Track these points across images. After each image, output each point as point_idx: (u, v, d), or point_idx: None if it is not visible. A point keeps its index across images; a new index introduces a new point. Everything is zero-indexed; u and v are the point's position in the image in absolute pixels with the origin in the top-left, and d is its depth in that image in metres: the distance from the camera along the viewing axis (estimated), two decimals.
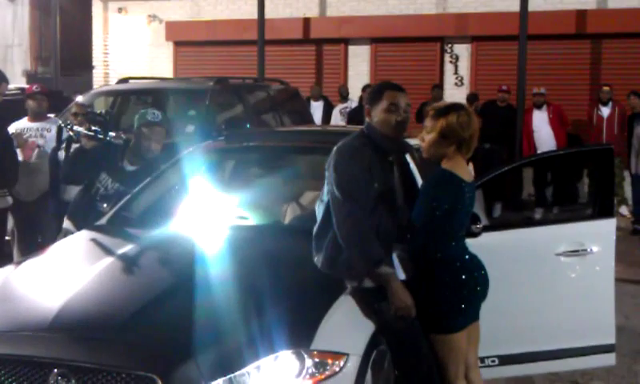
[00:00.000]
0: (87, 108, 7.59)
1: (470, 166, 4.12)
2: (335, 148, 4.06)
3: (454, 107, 4.07)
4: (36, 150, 7.45)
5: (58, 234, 6.12)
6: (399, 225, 4.08)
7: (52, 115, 8.02)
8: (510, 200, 5.09)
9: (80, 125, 7.08)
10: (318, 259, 4.05)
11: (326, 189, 4.07)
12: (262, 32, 14.05)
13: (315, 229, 4.12)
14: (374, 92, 4.19)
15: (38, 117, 7.73)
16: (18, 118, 7.75)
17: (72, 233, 5.51)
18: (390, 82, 4.29)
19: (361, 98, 12.61)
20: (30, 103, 7.79)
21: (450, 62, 14.54)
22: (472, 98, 13.17)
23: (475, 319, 4.14)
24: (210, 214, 5.25)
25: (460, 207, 4.00)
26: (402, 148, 4.38)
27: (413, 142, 5.44)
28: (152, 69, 15.49)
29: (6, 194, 6.89)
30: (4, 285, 4.26)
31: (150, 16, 16.46)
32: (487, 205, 4.78)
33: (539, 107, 12.22)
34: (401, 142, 4.30)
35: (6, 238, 7.36)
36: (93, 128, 6.23)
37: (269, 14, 14.26)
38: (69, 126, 6.62)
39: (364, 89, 12.84)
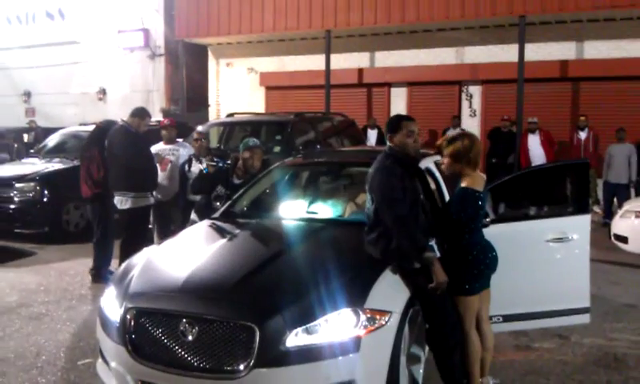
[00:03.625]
0: (204, 135, 7.73)
1: (483, 175, 4.10)
2: (373, 170, 3.98)
3: (459, 136, 4.09)
4: (169, 165, 7.61)
5: (186, 223, 6.26)
6: (428, 218, 4.03)
7: (180, 140, 8.19)
8: (512, 201, 5.00)
9: (200, 149, 7.26)
10: (370, 250, 3.97)
11: (369, 198, 4.01)
12: (328, 79, 14.10)
13: (366, 230, 4.04)
14: (394, 123, 4.05)
15: (169, 141, 7.88)
16: (157, 142, 7.94)
17: (197, 222, 5.62)
18: (403, 115, 4.23)
19: None
20: (164, 132, 7.95)
21: (466, 99, 14.32)
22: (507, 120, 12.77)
23: (487, 286, 4.14)
24: (291, 209, 5.29)
25: (480, 211, 4.01)
26: (417, 161, 4.27)
27: (440, 158, 5.40)
28: (250, 106, 15.67)
29: (149, 196, 7.07)
30: (149, 260, 4.34)
31: (249, 68, 16.63)
32: (494, 204, 4.71)
33: (533, 132, 11.97)
34: (416, 157, 4.17)
35: (150, 226, 7.54)
36: (215, 159, 6.41)
37: (333, 66, 14.29)
38: (200, 160, 6.80)
39: None
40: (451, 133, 13.00)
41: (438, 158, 5.39)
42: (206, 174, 6.22)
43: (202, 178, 6.19)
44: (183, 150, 7.69)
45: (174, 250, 4.60)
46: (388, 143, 4.08)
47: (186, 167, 7.28)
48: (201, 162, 6.73)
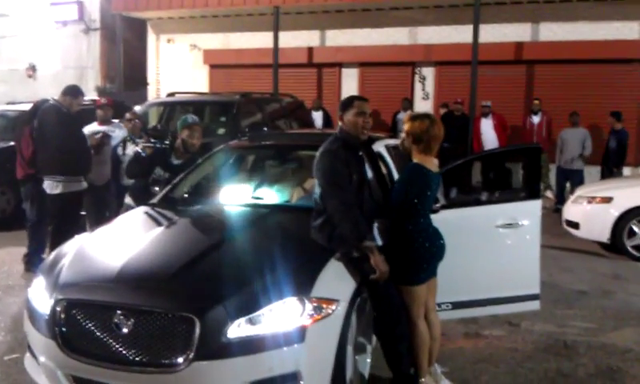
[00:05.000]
0: (137, 115, 7.67)
1: (435, 161, 4.14)
2: (318, 153, 4.01)
3: (420, 116, 4.10)
4: (104, 147, 7.48)
5: (119, 209, 6.18)
6: (376, 202, 4.07)
7: (116, 120, 8.05)
8: (463, 185, 5.10)
9: (134, 130, 7.21)
10: (316, 236, 4.00)
11: (317, 182, 4.03)
12: (276, 58, 14.04)
13: (312, 215, 4.07)
14: (346, 102, 4.14)
15: (104, 122, 7.78)
16: (90, 122, 7.79)
17: (132, 207, 5.54)
18: (356, 95, 4.28)
19: None
20: (99, 112, 7.83)
21: (419, 81, 14.51)
22: (444, 105, 13.18)
23: (434, 275, 4.19)
24: (235, 195, 5.27)
25: (427, 192, 4.02)
26: (368, 143, 4.33)
27: (391, 142, 5.47)
28: (193, 86, 15.45)
29: (82, 180, 6.93)
30: (81, 248, 4.26)
31: (191, 45, 16.40)
32: (445, 189, 4.79)
33: (486, 116, 12.23)
34: (367, 139, 4.22)
35: (82, 213, 7.40)
36: (152, 140, 6.33)
37: (281, 44, 14.23)
38: (136, 142, 6.68)
39: None
40: (402, 116, 13.18)
41: (389, 141, 5.47)
42: (143, 156, 6.13)
43: (138, 160, 6.10)
44: (119, 132, 7.59)
45: (108, 237, 4.52)
46: (339, 123, 4.11)
47: (120, 150, 7.17)
48: (136, 144, 6.64)
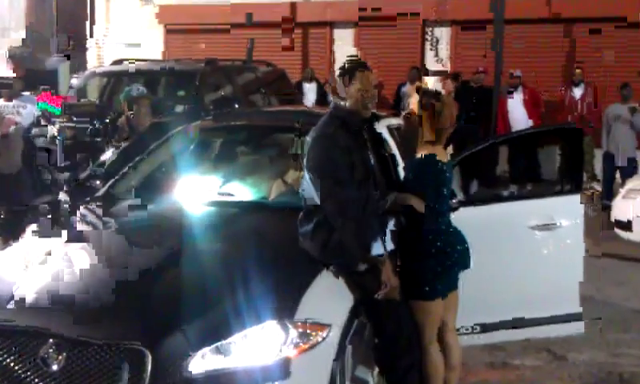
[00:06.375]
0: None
1: (449, 147, 4.18)
2: (310, 138, 3.97)
3: (433, 94, 4.20)
4: (12, 127, 7.41)
5: (36, 205, 6.12)
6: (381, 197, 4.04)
7: (27, 93, 8.00)
8: (486, 177, 5.09)
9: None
10: (307, 245, 3.94)
11: (306, 176, 3.98)
12: (250, 16, 14.01)
13: (300, 217, 4.02)
14: (347, 72, 3.97)
15: (13, 95, 7.76)
16: None
17: (67, 204, 5.48)
18: (358, 61, 4.14)
19: None
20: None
21: (431, 48, 14.51)
22: (455, 77, 13.16)
23: (454, 288, 4.21)
24: (197, 191, 5.22)
25: (443, 188, 4.09)
26: (371, 121, 4.28)
27: (394, 121, 5.44)
28: (144, 51, 15.39)
29: None
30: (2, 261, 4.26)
31: (142, 0, 16.36)
32: (464, 181, 4.78)
33: (514, 89, 12.20)
34: (370, 117, 4.15)
35: None
36: (76, 119, 6.23)
37: None
38: (53, 121, 6.61)
39: None
40: (407, 89, 13.18)
41: (393, 120, 5.44)
42: (60, 140, 6.05)
43: (69, 147, 6.04)
44: (32, 107, 7.55)
45: (31, 247, 4.49)
46: (332, 99, 4.05)
47: (33, 130, 7.13)
48: (53, 123, 6.51)
